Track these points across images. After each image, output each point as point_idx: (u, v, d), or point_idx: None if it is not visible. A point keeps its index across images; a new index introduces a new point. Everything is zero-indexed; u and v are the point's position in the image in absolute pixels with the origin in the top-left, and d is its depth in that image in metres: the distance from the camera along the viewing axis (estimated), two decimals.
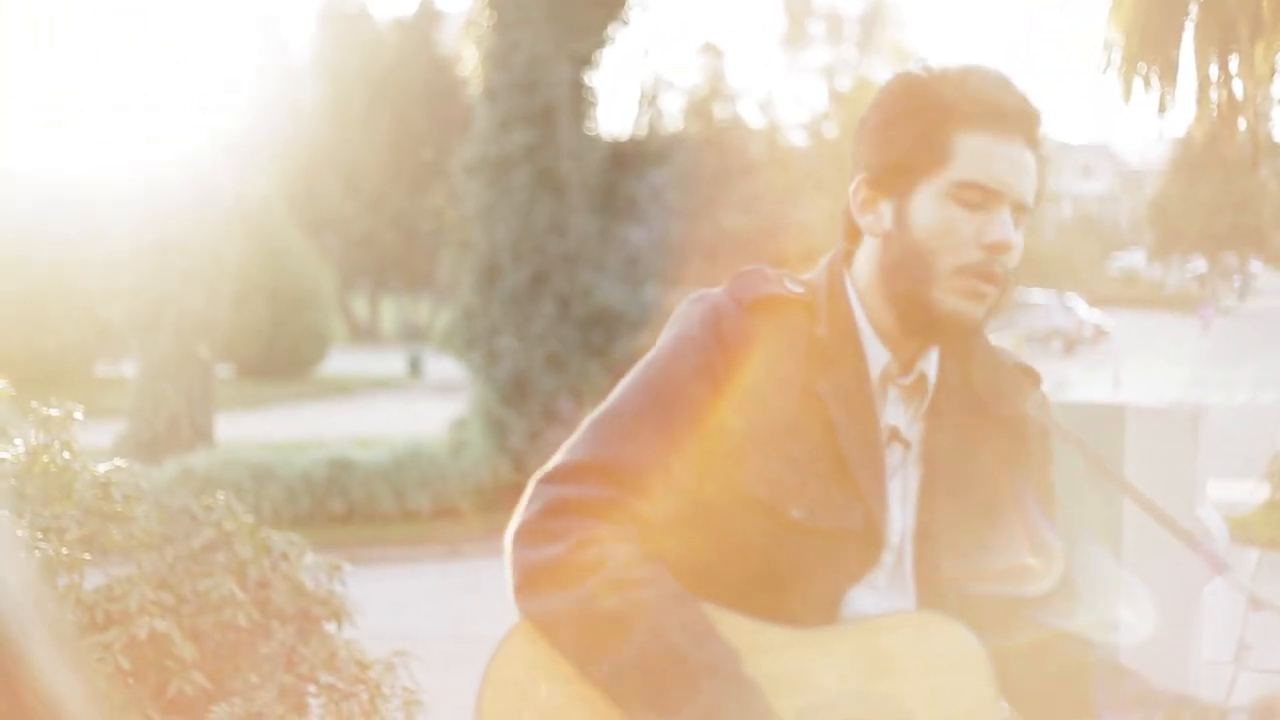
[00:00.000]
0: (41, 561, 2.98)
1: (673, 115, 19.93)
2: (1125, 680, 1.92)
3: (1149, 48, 5.90)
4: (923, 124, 1.89)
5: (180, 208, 14.43)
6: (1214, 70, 5.92)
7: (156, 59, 14.78)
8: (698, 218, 18.08)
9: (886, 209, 1.92)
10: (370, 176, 43.14)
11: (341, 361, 35.57)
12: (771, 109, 25.41)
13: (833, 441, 1.88)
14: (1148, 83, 5.97)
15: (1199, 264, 68.04)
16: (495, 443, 14.51)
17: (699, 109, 21.90)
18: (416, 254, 43.05)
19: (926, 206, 1.89)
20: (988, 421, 1.97)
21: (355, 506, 13.42)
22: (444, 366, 23.72)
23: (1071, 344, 42.85)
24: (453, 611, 9.77)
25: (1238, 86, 5.90)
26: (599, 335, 15.11)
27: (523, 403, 14.75)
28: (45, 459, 3.17)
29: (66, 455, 3.20)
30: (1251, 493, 12.50)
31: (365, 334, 47.76)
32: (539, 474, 1.90)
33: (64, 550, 3.00)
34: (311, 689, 3.22)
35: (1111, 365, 30.58)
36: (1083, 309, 45.05)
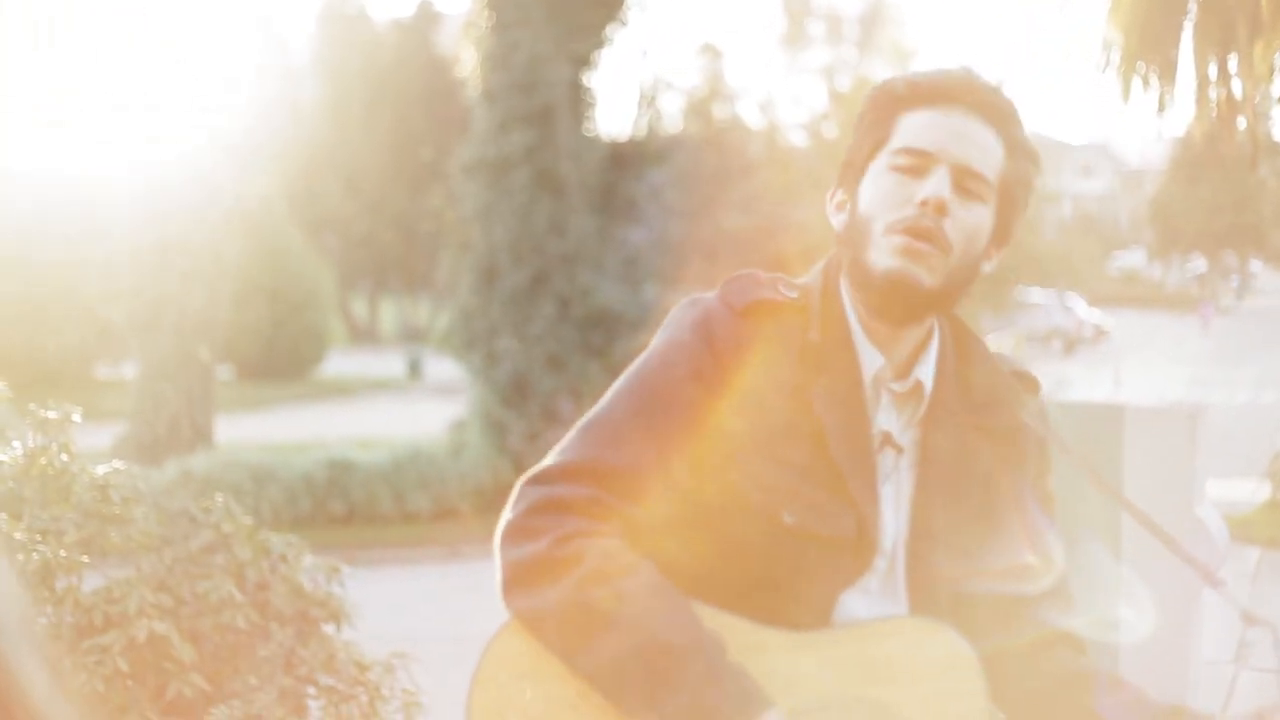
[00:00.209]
0: (40, 564, 2.97)
1: (672, 116, 19.93)
2: (1118, 690, 1.91)
3: (1148, 47, 5.91)
4: (874, 116, 1.95)
5: (180, 208, 14.44)
6: (1213, 69, 5.92)
7: (156, 59, 14.78)
8: (697, 218, 18.08)
9: (846, 200, 1.97)
10: (370, 177, 43.12)
11: (341, 363, 35.57)
12: (771, 109, 25.41)
13: (824, 446, 1.88)
14: (1146, 82, 5.97)
15: (1199, 263, 68.02)
16: (495, 444, 14.51)
17: (698, 109, 21.89)
18: (416, 255, 43.04)
19: (870, 182, 1.93)
20: (984, 428, 1.97)
21: (355, 508, 13.43)
22: (444, 368, 23.73)
23: (1071, 343, 42.83)
24: (452, 612, 9.77)
25: (1237, 86, 5.90)
26: (598, 336, 15.12)
27: (522, 404, 14.76)
28: (43, 461, 3.17)
29: (64, 457, 3.19)
30: (1252, 492, 12.50)
31: (365, 335, 47.75)
32: (526, 476, 1.91)
33: (62, 553, 2.99)
34: (311, 691, 3.22)
35: (1112, 365, 30.57)
36: (1083, 308, 45.02)
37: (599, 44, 15.39)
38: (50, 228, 24.45)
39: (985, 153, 1.91)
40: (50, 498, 3.15)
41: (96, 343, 26.40)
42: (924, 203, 1.87)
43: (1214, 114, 5.95)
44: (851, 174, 1.96)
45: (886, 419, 1.94)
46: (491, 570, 1.89)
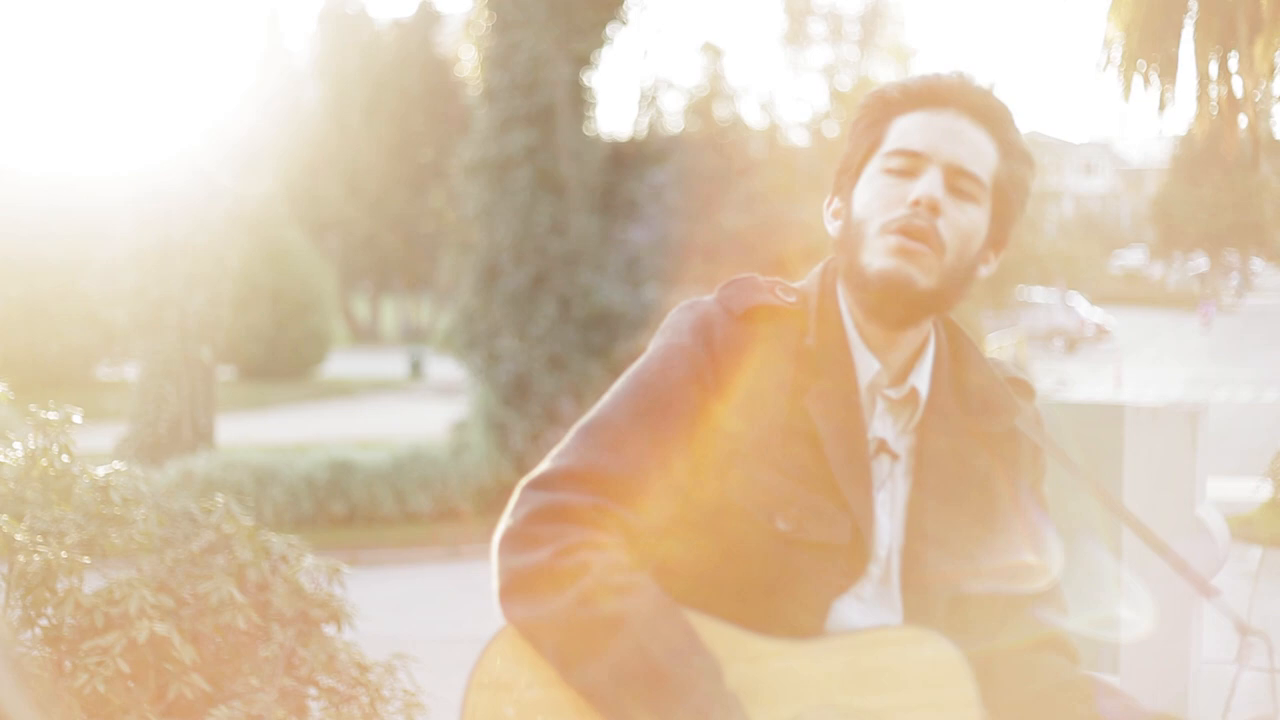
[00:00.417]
0: (41, 565, 2.98)
1: (673, 115, 19.91)
2: (1113, 697, 1.91)
3: (1149, 45, 5.91)
4: (867, 121, 1.96)
5: (182, 210, 14.44)
6: (1214, 68, 5.92)
7: (158, 60, 14.79)
8: (698, 218, 18.07)
9: (842, 207, 1.97)
10: (371, 177, 43.13)
11: (343, 363, 35.60)
12: (772, 109, 25.36)
13: (819, 453, 1.88)
14: (1147, 80, 5.97)
15: (1200, 262, 67.98)
16: (496, 444, 14.51)
17: (699, 109, 21.87)
18: (417, 255, 43.06)
19: (864, 186, 1.93)
20: (980, 435, 1.96)
21: (356, 508, 13.43)
22: (445, 368, 23.73)
23: (1073, 342, 42.83)
24: (453, 613, 9.77)
25: (1237, 84, 5.90)
26: (599, 336, 15.11)
27: (523, 404, 14.75)
28: (44, 462, 3.17)
29: (65, 459, 3.19)
30: (1254, 491, 12.50)
31: (366, 336, 47.76)
32: (526, 479, 1.89)
33: (63, 554, 2.99)
34: (311, 691, 3.22)
35: (1113, 364, 30.58)
36: (1084, 307, 45.00)
37: (600, 44, 15.39)
38: (52, 229, 24.48)
39: (978, 153, 1.91)
40: (51, 499, 3.16)
41: (98, 344, 26.42)
42: (916, 202, 1.86)
43: (1215, 112, 5.95)
44: (846, 180, 1.97)
45: (882, 425, 1.93)
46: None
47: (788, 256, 16.14)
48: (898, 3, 36.33)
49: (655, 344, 1.96)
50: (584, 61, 15.28)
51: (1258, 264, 71.31)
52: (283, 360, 31.22)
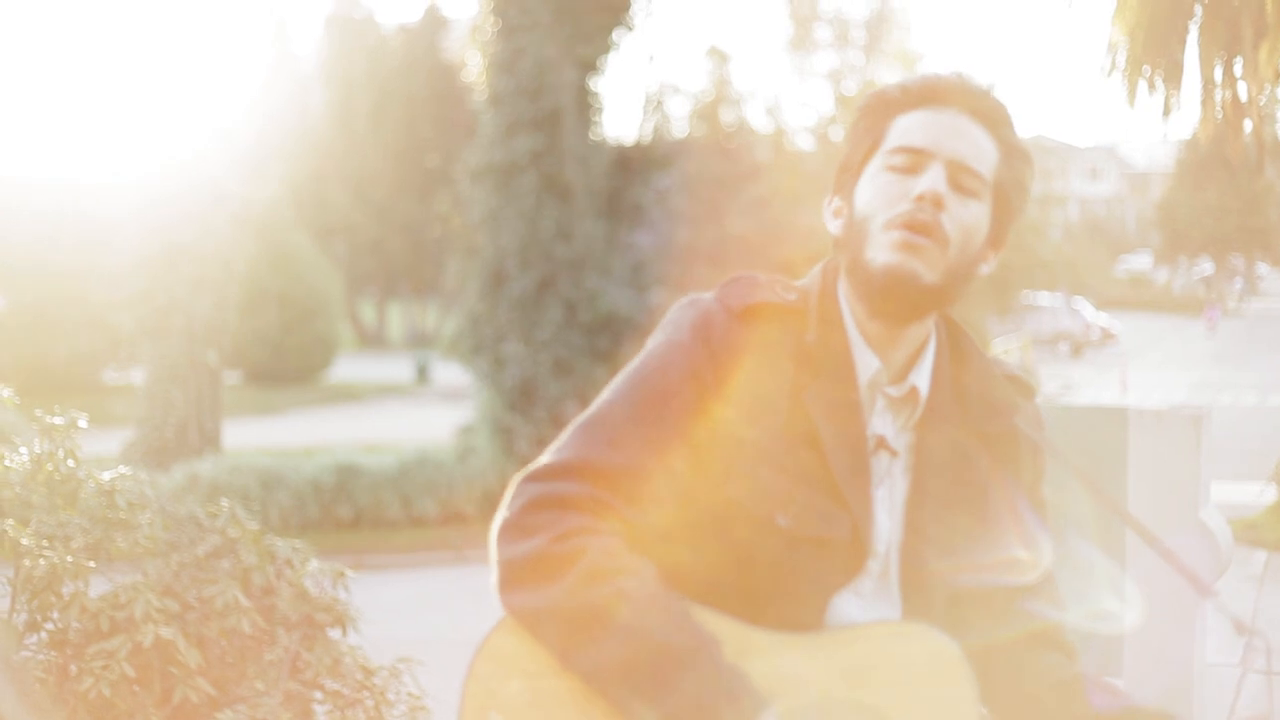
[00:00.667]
0: (46, 569, 2.99)
1: (678, 120, 19.94)
2: (1108, 696, 1.92)
3: (1153, 50, 5.91)
4: (868, 121, 1.97)
5: (188, 214, 14.46)
6: (1218, 72, 5.92)
7: (164, 66, 14.81)
8: (704, 222, 18.09)
9: (843, 206, 1.97)
10: (377, 182, 43.19)
11: (349, 368, 35.61)
12: (778, 113, 25.38)
13: (819, 449, 1.88)
14: (1152, 85, 5.97)
15: (1205, 266, 67.95)
16: (502, 449, 14.52)
17: (705, 114, 21.89)
18: (423, 260, 43.10)
19: (866, 183, 1.94)
20: (979, 433, 1.97)
21: (363, 513, 13.44)
22: (451, 373, 23.75)
23: (1079, 346, 42.84)
24: (459, 617, 9.77)
25: (1242, 88, 5.90)
26: (605, 340, 15.12)
27: (529, 408, 14.76)
28: (50, 467, 3.18)
29: (71, 463, 3.20)
30: (1258, 495, 12.49)
31: (373, 340, 47.79)
32: (523, 473, 1.91)
33: (69, 558, 3.00)
34: (316, 696, 3.23)
35: (1118, 368, 30.56)
36: (1090, 311, 45.01)
37: (605, 49, 15.39)
38: (59, 234, 24.52)
39: (979, 151, 1.92)
40: (57, 503, 3.17)
41: (105, 349, 26.45)
42: (920, 196, 1.87)
43: (1220, 117, 5.95)
44: (847, 179, 1.98)
45: (881, 423, 1.94)
46: None
47: (794, 261, 16.14)
48: (903, 8, 36.34)
49: (654, 341, 1.97)
50: (590, 66, 15.28)
51: (1263, 268, 71.27)
52: (289, 365, 31.23)
